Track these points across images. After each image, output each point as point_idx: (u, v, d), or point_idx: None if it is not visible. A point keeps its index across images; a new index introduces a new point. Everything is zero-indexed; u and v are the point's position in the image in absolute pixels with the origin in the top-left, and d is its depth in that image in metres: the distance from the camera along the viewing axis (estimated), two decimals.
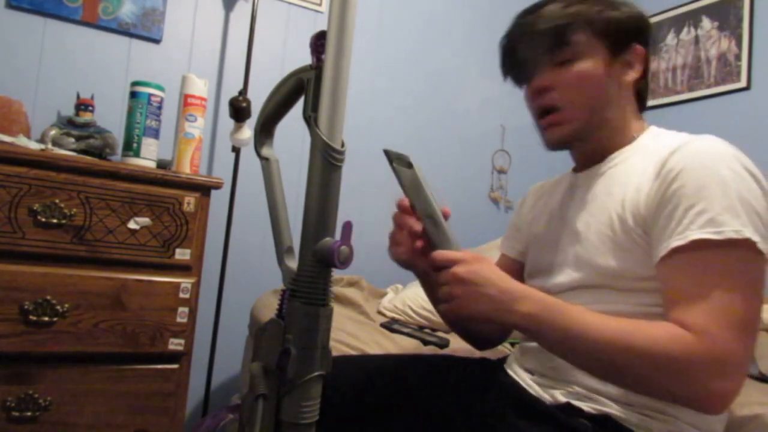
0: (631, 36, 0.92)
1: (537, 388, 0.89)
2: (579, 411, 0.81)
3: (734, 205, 0.72)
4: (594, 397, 0.82)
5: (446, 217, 0.88)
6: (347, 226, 0.63)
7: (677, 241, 0.73)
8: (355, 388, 0.99)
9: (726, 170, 0.74)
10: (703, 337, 0.69)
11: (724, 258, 0.72)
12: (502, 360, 1.05)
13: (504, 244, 1.15)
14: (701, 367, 0.68)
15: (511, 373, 0.97)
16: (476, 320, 0.88)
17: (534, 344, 0.92)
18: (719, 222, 0.71)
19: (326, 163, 0.62)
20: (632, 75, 0.92)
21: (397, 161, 0.86)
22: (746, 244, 0.71)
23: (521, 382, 0.93)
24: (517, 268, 1.09)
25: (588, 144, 0.94)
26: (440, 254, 0.83)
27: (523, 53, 0.93)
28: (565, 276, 0.91)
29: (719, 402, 0.70)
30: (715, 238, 0.71)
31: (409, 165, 0.86)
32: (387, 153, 0.88)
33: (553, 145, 0.94)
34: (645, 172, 0.82)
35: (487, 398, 0.94)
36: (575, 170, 1.01)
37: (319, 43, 0.65)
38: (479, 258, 0.82)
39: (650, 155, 0.84)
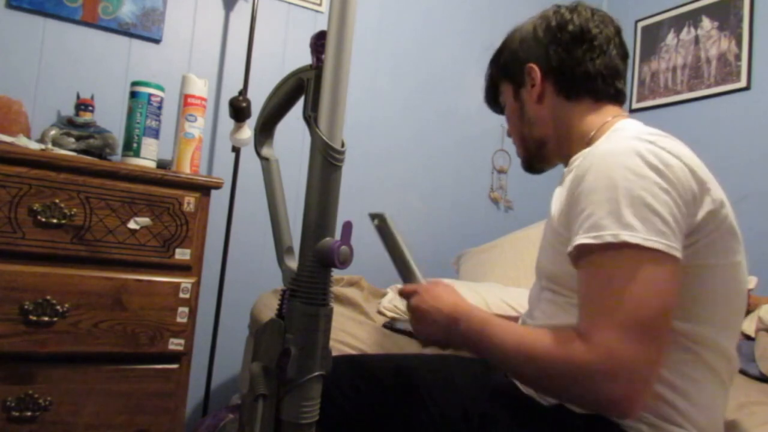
0: (518, 61, 0.99)
1: (531, 390, 0.89)
2: (572, 411, 0.81)
3: (618, 209, 0.70)
4: None
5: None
6: (347, 226, 0.63)
7: (569, 247, 0.75)
8: (355, 388, 0.99)
9: (620, 171, 0.72)
10: (589, 342, 0.68)
11: (609, 261, 0.70)
12: None
13: None
14: (587, 372, 0.68)
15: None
16: (433, 344, 0.96)
17: None
18: (600, 226, 0.71)
19: (326, 163, 0.62)
20: (536, 90, 0.97)
21: (378, 219, 1.03)
22: (626, 247, 0.69)
23: (517, 383, 0.93)
24: None
25: (551, 161, 1.02)
26: (402, 288, 0.96)
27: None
28: (537, 282, 0.97)
29: (614, 407, 0.68)
30: (595, 243, 0.70)
31: (384, 221, 1.03)
32: (370, 215, 1.05)
33: (531, 172, 1.07)
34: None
35: (485, 397, 0.94)
36: None
37: (319, 43, 0.66)
38: (431, 287, 0.90)
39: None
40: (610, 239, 0.69)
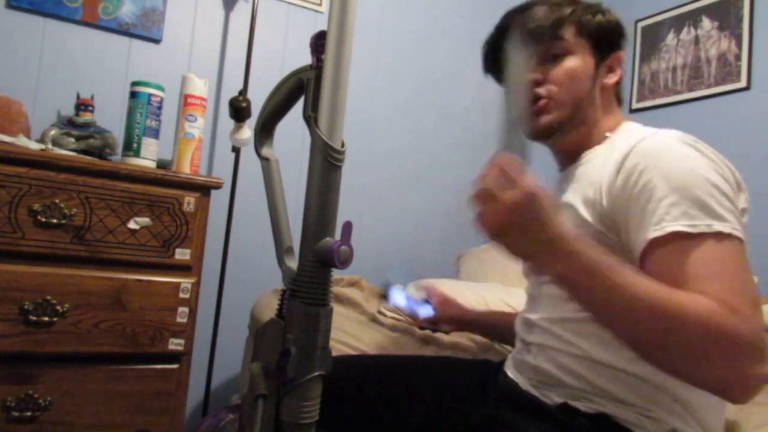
0: (614, 41, 0.98)
1: (533, 390, 0.89)
2: (576, 410, 0.81)
3: (702, 199, 0.74)
4: (591, 397, 0.82)
5: None
6: (347, 226, 0.63)
7: (655, 232, 0.75)
8: (355, 388, 0.99)
9: (688, 162, 0.77)
10: (739, 315, 0.66)
11: (711, 247, 0.72)
12: (503, 362, 1.06)
13: None
14: (745, 345, 0.65)
15: (510, 374, 0.97)
16: (514, 252, 0.74)
17: (527, 357, 0.92)
18: (691, 215, 0.73)
19: (326, 163, 0.62)
20: (613, 78, 0.98)
21: None
22: (721, 236, 0.72)
23: (519, 384, 0.93)
24: None
25: (565, 139, 0.97)
26: (506, 160, 0.72)
27: (516, 48, 0.92)
28: (534, 279, 0.97)
29: (750, 388, 0.67)
30: (691, 231, 0.73)
31: None
32: None
33: (537, 132, 0.96)
34: (605, 170, 0.84)
35: (486, 398, 0.94)
36: (559, 171, 1.04)
37: (319, 43, 0.65)
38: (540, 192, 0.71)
39: (612, 153, 0.86)
40: (704, 229, 0.72)
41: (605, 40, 0.97)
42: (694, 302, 0.67)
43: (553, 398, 0.85)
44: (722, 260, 0.72)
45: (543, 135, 0.97)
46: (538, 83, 0.94)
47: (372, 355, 1.31)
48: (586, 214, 0.84)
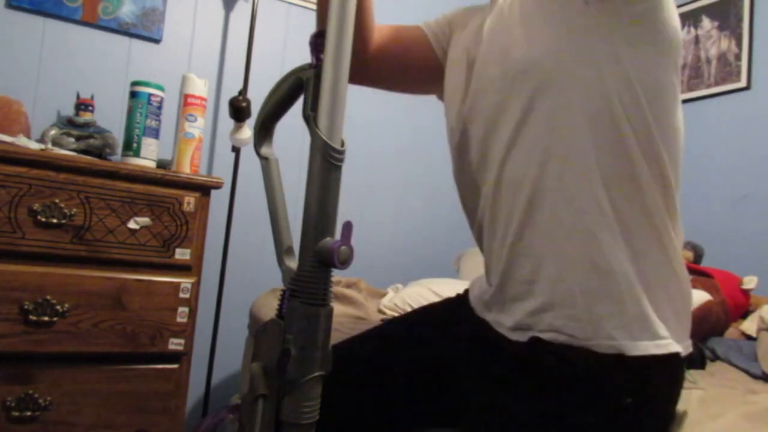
0: None
1: (496, 325, 0.85)
2: (544, 345, 0.76)
3: None
4: (539, 318, 0.77)
5: None
6: (347, 227, 0.63)
7: None
8: (353, 380, 0.96)
9: None
10: None
11: None
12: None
13: None
14: None
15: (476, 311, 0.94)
16: None
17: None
18: None
19: (326, 162, 0.62)
20: None
21: None
22: None
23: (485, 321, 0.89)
24: None
25: None
26: None
27: None
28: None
29: None
30: None
31: None
32: None
33: None
34: None
35: (460, 348, 0.92)
36: None
37: (318, 41, 0.65)
38: None
39: None
40: None
41: None
42: None
43: (506, 324, 0.81)
44: None
45: None
46: None
47: (357, 336, 1.24)
48: None
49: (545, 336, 0.76)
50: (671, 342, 0.75)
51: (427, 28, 1.08)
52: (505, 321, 0.83)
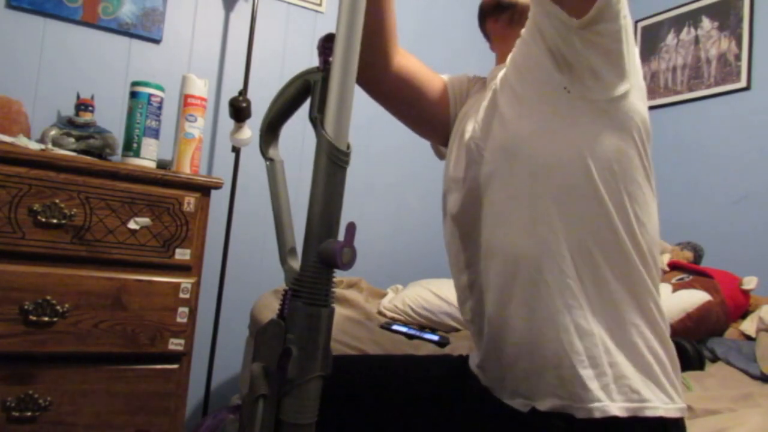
0: None
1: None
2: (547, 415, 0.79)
3: None
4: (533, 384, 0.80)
5: None
6: (350, 228, 0.63)
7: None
8: (354, 388, 0.99)
9: None
10: None
11: None
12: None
13: None
14: None
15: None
16: None
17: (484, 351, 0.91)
18: None
19: (332, 164, 0.62)
20: None
21: None
22: None
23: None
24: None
25: None
26: None
27: None
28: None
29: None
30: None
31: None
32: None
33: None
34: None
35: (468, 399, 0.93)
36: None
37: (326, 45, 0.66)
38: None
39: None
40: None
41: None
42: None
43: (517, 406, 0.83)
44: None
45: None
46: None
47: (372, 355, 1.30)
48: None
49: (542, 407, 0.79)
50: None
51: (450, 87, 1.14)
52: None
